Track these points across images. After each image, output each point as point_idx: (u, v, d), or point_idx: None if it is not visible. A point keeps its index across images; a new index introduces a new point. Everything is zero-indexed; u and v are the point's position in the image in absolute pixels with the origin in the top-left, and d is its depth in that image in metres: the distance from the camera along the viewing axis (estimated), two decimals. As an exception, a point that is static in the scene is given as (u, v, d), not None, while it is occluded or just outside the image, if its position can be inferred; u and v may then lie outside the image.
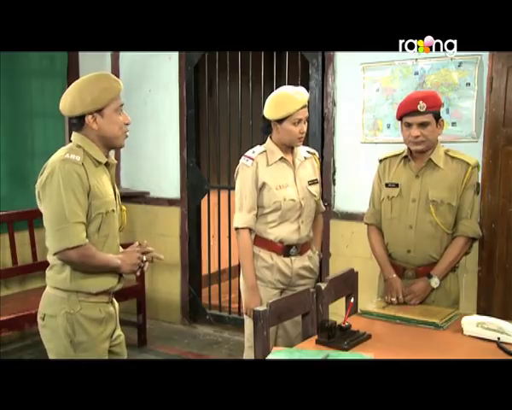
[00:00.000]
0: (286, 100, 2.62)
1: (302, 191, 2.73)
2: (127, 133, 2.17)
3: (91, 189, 2.04)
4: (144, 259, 2.19)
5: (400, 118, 2.55)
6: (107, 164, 2.16)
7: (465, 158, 2.56)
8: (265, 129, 2.74)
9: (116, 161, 2.25)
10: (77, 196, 2.00)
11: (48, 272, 2.14)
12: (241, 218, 2.68)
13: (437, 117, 2.51)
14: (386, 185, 2.67)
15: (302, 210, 2.72)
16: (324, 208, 3.01)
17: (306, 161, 2.81)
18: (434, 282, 2.51)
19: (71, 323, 2.06)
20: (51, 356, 2.14)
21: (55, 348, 2.11)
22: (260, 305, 2.65)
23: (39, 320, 2.14)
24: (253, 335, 2.15)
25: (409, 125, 2.51)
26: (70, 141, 2.15)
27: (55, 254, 2.04)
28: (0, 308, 3.52)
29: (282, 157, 2.71)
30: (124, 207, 2.29)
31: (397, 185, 2.62)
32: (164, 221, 4.73)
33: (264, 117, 2.72)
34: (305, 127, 2.67)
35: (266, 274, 2.71)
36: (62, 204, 1.98)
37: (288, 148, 2.73)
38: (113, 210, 2.15)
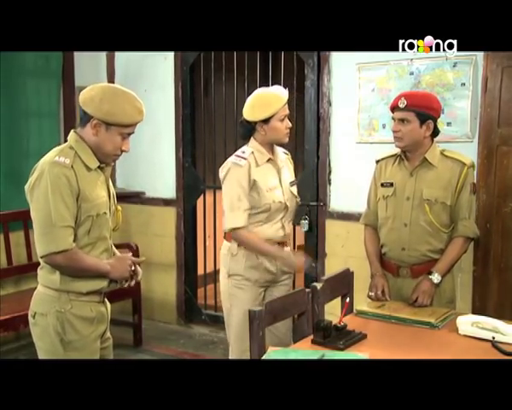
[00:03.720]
0: (270, 99, 2.66)
1: (286, 193, 2.77)
2: (118, 158, 2.17)
3: (81, 192, 2.02)
4: (138, 270, 2.21)
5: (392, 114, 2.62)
6: (100, 167, 2.14)
7: (461, 158, 2.57)
8: (247, 133, 2.74)
9: (112, 164, 2.23)
10: (65, 199, 1.98)
11: (39, 271, 2.13)
12: (239, 217, 2.66)
13: (421, 117, 2.50)
14: (382, 185, 2.69)
15: (286, 210, 2.76)
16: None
17: (285, 161, 2.85)
18: (436, 277, 2.51)
19: (61, 321, 2.06)
20: (41, 354, 2.13)
21: (44, 346, 2.10)
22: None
23: (30, 318, 2.13)
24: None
25: (394, 120, 2.57)
26: (65, 140, 2.14)
27: (41, 257, 2.04)
28: (-5, 309, 3.51)
29: (269, 158, 2.73)
30: (119, 207, 2.27)
31: (391, 185, 2.64)
32: (159, 221, 4.72)
33: (245, 121, 2.70)
34: (289, 123, 2.71)
35: (254, 273, 2.72)
36: (49, 208, 1.97)
37: (271, 149, 2.75)
38: (105, 213, 2.13)
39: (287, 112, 2.68)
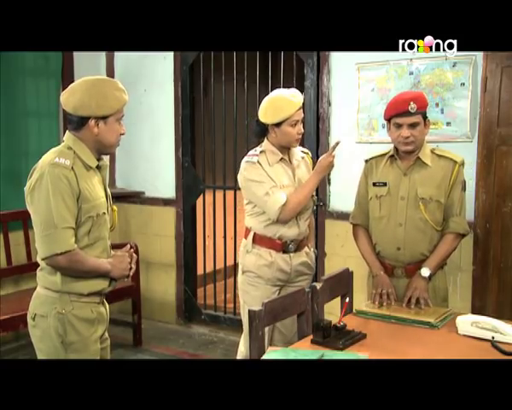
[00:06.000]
0: (283, 103, 2.65)
1: None
2: (119, 144, 2.19)
3: (81, 192, 2.03)
4: (134, 257, 2.22)
5: (389, 119, 2.57)
6: (98, 166, 2.15)
7: (452, 156, 2.59)
8: (261, 132, 2.77)
9: (108, 163, 2.25)
10: (66, 200, 1.98)
11: (39, 273, 2.12)
12: (278, 194, 2.65)
13: (424, 117, 2.54)
14: (374, 184, 2.68)
15: (301, 208, 2.75)
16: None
17: (302, 160, 2.86)
18: (423, 271, 2.51)
19: (62, 323, 2.05)
20: (41, 357, 2.12)
21: (45, 348, 2.09)
22: None
23: (29, 320, 2.12)
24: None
25: (399, 125, 2.52)
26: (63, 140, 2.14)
27: (43, 259, 2.03)
28: (-5, 309, 3.50)
29: (282, 158, 2.75)
30: (115, 208, 2.27)
31: (385, 184, 2.64)
32: (159, 221, 4.72)
33: (258, 121, 2.74)
34: (301, 128, 2.72)
35: (266, 272, 2.74)
36: (51, 209, 1.97)
37: (285, 148, 2.77)
38: (104, 213, 2.14)
39: (299, 117, 2.68)
